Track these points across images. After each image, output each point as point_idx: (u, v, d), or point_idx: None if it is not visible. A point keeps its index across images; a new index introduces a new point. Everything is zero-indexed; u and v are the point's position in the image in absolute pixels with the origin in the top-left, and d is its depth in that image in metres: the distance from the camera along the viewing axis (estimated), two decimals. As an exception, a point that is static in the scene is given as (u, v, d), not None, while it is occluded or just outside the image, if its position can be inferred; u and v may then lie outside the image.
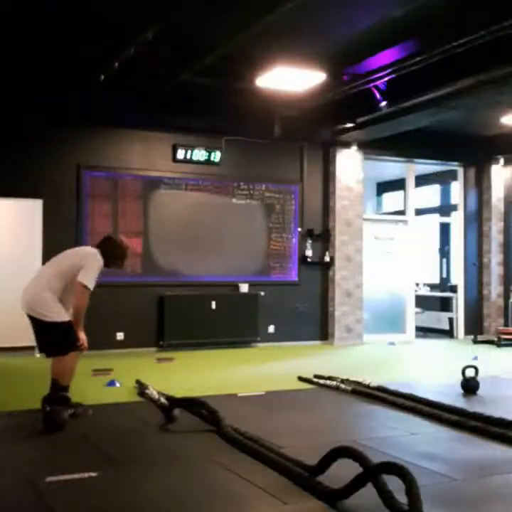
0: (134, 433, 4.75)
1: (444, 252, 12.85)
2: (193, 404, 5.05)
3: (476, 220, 11.64)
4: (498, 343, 10.19)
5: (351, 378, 6.57)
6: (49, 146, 8.72)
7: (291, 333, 10.08)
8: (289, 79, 7.62)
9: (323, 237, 10.40)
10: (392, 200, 13.98)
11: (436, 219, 13.01)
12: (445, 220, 12.58)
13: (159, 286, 9.26)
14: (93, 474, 3.71)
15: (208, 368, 7.91)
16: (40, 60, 7.45)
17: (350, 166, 10.48)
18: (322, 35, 6.85)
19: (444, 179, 12.80)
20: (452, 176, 11.99)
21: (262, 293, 9.86)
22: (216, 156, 9.59)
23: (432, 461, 4.05)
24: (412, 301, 10.97)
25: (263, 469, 3.85)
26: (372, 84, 7.98)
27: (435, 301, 12.09)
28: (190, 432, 4.73)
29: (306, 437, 4.63)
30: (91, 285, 5.01)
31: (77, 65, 7.54)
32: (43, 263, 8.03)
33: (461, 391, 6.22)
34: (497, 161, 11.42)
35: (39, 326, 5.02)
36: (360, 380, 6.47)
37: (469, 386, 6.21)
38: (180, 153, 9.39)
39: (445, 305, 11.81)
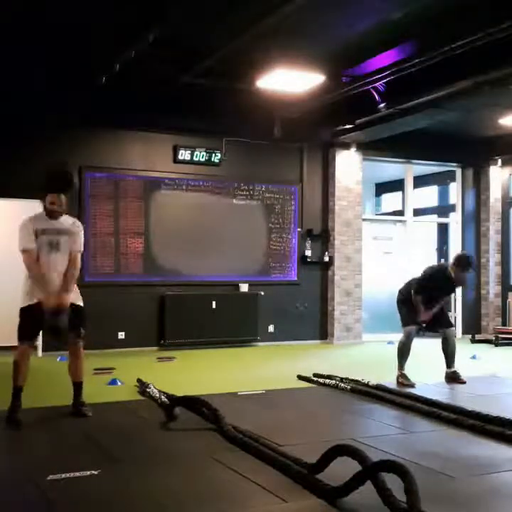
0: (135, 431, 4.78)
1: (442, 252, 12.87)
2: (194, 403, 5.09)
3: (474, 220, 11.69)
4: (496, 343, 10.23)
5: (350, 377, 6.61)
6: (50, 147, 8.74)
7: (291, 332, 10.12)
8: (289, 80, 7.67)
9: (323, 237, 10.45)
10: (390, 200, 14.03)
11: (434, 219, 13.05)
12: (443, 220, 12.62)
13: (160, 285, 9.30)
14: (94, 472, 3.73)
15: (209, 366, 7.94)
16: (42, 61, 7.49)
17: (350, 166, 10.52)
18: (321, 37, 6.89)
19: (442, 180, 12.84)
20: (450, 176, 12.03)
21: (262, 293, 9.90)
22: (216, 157, 9.63)
23: (431, 459, 4.08)
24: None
25: (263, 467, 3.88)
26: (371, 86, 8.02)
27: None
28: (191, 430, 4.75)
29: (305, 435, 4.66)
30: (19, 245, 5.12)
31: (78, 66, 7.57)
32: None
33: (457, 389, 6.31)
34: (495, 162, 11.46)
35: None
36: (359, 378, 6.51)
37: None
38: (181, 154, 9.43)
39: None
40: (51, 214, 5.15)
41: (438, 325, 6.81)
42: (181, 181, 9.52)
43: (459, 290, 11.45)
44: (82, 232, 5.31)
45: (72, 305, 5.12)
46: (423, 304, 6.64)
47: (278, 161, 10.17)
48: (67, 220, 5.23)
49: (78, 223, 5.32)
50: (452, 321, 7.21)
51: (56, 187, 5.15)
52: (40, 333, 5.41)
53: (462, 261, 6.58)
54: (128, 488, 3.58)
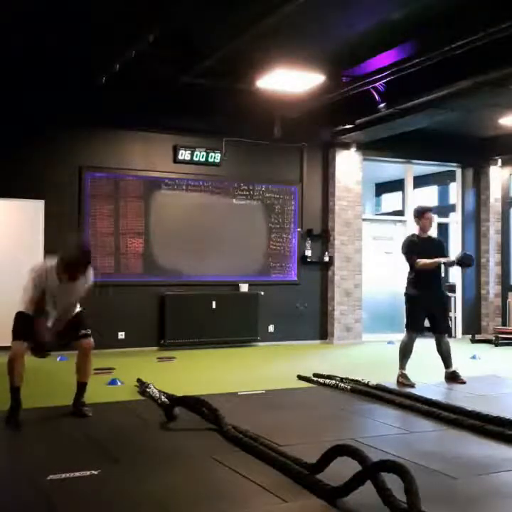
0: (135, 431, 4.78)
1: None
2: (194, 403, 5.08)
3: (474, 220, 11.69)
4: (496, 343, 10.23)
5: (350, 377, 6.61)
6: (50, 147, 8.75)
7: (291, 332, 10.12)
8: (289, 80, 7.66)
9: (323, 237, 10.45)
10: (390, 200, 14.03)
11: (434, 219, 13.03)
12: (443, 220, 12.60)
13: (160, 285, 9.30)
14: (94, 472, 3.73)
15: (209, 366, 7.95)
16: (42, 61, 7.49)
17: (350, 166, 10.52)
18: (321, 37, 6.89)
19: (442, 180, 12.84)
20: (450, 176, 12.04)
21: (262, 293, 9.90)
22: (216, 157, 9.63)
23: (431, 459, 4.08)
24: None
25: (263, 467, 3.88)
26: (371, 86, 8.02)
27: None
28: (191, 430, 4.76)
29: (305, 435, 4.66)
30: (26, 297, 4.96)
31: (78, 66, 7.58)
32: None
33: (457, 389, 6.32)
34: (495, 162, 11.46)
35: None
36: (359, 378, 6.51)
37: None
38: (181, 154, 9.43)
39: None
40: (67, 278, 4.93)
41: (436, 328, 6.80)
42: (181, 181, 9.52)
43: (459, 291, 11.47)
44: (91, 278, 5.14)
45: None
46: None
47: (278, 161, 10.17)
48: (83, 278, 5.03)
49: (90, 275, 5.09)
50: (452, 321, 7.20)
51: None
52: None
53: (414, 212, 7.05)
54: (128, 488, 3.58)
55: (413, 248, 6.78)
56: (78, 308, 5.24)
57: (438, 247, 6.96)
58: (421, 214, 6.87)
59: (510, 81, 7.26)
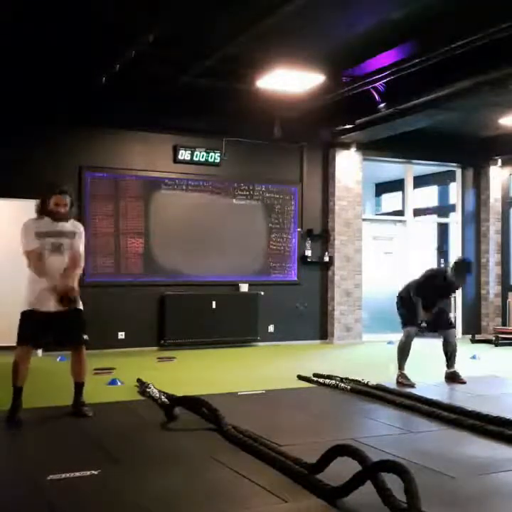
0: (135, 431, 4.78)
1: (442, 252, 12.87)
2: (194, 403, 5.09)
3: (474, 220, 11.70)
4: (496, 343, 10.23)
5: (350, 377, 6.61)
6: (51, 147, 8.75)
7: (291, 332, 10.12)
8: (289, 80, 7.66)
9: (323, 237, 10.45)
10: (390, 200, 14.03)
11: (434, 219, 13.05)
12: (443, 220, 12.61)
13: (160, 285, 9.30)
14: (94, 472, 3.73)
15: (209, 366, 7.95)
16: (42, 61, 7.48)
17: (350, 166, 10.52)
18: (321, 37, 6.89)
19: (442, 180, 12.84)
20: (450, 176, 12.03)
21: (262, 293, 9.90)
22: (216, 157, 9.64)
23: (431, 459, 4.08)
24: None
25: (263, 467, 3.88)
26: (371, 86, 8.02)
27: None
28: (191, 430, 4.75)
29: (305, 435, 4.66)
30: (24, 248, 5.12)
31: (78, 66, 7.58)
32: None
33: (457, 389, 6.32)
34: (495, 162, 11.46)
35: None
36: (359, 378, 6.51)
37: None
38: (181, 154, 9.43)
39: (443, 305, 11.86)
40: (55, 216, 5.11)
41: (437, 326, 6.82)
42: (181, 181, 9.52)
43: (459, 291, 11.47)
44: (83, 234, 5.29)
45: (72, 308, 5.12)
46: (423, 305, 6.67)
47: (278, 161, 10.17)
48: (71, 223, 5.22)
49: (79, 225, 5.31)
50: (452, 321, 7.22)
51: (60, 188, 5.17)
52: (42, 342, 5.37)
53: (459, 266, 6.77)
54: (128, 488, 3.58)
55: (427, 284, 6.72)
56: (80, 306, 5.22)
57: (447, 290, 6.93)
58: (466, 272, 6.83)
59: (510, 81, 7.25)
